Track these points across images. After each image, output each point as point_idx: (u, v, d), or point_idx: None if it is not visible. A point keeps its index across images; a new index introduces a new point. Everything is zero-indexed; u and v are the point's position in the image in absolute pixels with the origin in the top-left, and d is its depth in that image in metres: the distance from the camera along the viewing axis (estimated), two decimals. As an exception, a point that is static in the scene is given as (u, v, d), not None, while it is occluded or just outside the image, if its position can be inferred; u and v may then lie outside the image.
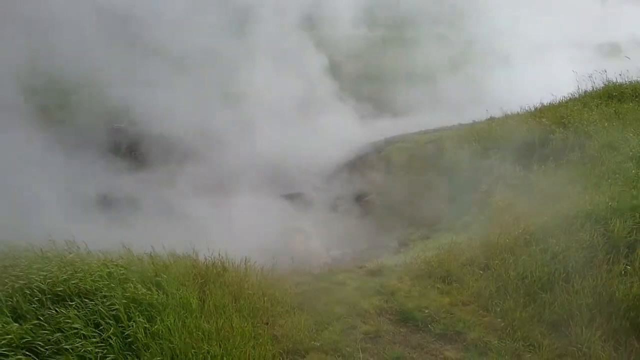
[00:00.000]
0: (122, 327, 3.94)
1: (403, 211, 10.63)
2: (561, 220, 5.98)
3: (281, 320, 5.00)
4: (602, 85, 13.64)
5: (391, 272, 6.26)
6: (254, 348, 4.29)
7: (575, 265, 5.16)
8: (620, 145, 8.25)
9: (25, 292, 3.99)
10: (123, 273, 4.50)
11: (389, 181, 12.90)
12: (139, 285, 4.30)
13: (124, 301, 4.07)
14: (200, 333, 4.15)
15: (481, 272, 5.71)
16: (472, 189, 10.49)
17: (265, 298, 5.23)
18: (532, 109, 14.06)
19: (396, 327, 5.07)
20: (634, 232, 5.29)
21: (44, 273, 4.28)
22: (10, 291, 3.98)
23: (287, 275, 6.37)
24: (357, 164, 14.90)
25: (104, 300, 4.04)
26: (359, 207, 12.51)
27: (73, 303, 3.96)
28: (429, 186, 11.67)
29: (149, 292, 4.27)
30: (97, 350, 3.59)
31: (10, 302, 3.91)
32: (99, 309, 3.95)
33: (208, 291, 4.81)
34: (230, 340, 4.24)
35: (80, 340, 3.71)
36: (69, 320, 3.79)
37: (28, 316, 3.83)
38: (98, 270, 4.43)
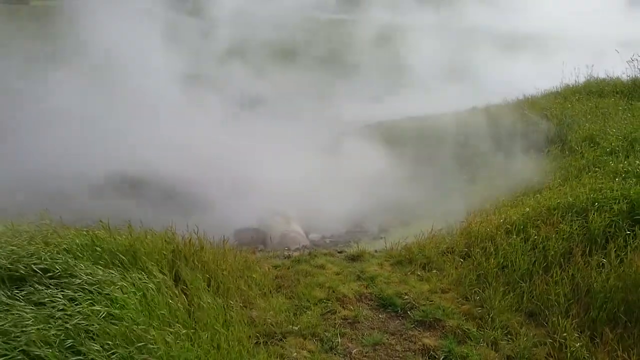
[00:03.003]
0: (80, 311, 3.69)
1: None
2: (542, 211, 6.01)
3: (259, 302, 4.91)
4: (583, 80, 13.87)
5: (371, 258, 6.22)
6: (227, 329, 4.17)
7: (555, 255, 5.18)
8: (600, 139, 8.33)
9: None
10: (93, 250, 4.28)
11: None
12: (100, 267, 4.06)
13: (86, 286, 3.81)
14: (164, 312, 3.96)
15: (462, 260, 5.69)
16: (454, 176, 10.55)
17: (242, 280, 5.14)
18: (515, 101, 14.25)
19: (375, 313, 5.03)
20: (612, 224, 5.33)
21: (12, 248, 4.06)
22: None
23: (266, 258, 6.28)
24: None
25: (66, 281, 3.80)
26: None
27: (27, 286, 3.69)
28: (412, 172, 11.67)
29: (111, 272, 4.04)
30: (56, 333, 3.34)
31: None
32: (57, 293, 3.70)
33: (180, 268, 4.65)
34: (200, 320, 4.10)
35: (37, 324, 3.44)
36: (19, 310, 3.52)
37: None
38: (66, 245, 4.22)
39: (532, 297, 4.85)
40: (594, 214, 5.43)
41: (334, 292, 5.30)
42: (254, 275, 5.28)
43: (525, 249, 5.39)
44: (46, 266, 3.89)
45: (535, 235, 5.53)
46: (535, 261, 5.19)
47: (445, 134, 12.42)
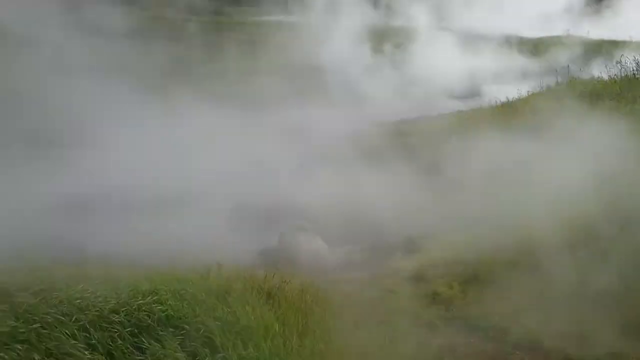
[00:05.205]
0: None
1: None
2: (594, 221, 6.07)
3: (352, 338, 4.67)
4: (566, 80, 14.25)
5: (435, 278, 6.10)
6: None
7: (632, 270, 5.23)
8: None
9: (102, 325, 3.37)
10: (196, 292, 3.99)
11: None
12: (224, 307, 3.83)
13: (218, 323, 3.60)
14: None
15: (533, 274, 5.67)
16: (465, 182, 10.54)
17: (328, 313, 4.90)
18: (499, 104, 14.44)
19: (467, 338, 4.91)
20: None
21: (113, 300, 3.67)
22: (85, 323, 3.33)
23: (329, 283, 6.04)
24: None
25: (197, 326, 3.55)
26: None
27: (163, 333, 3.43)
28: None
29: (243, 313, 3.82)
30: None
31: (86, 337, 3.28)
32: (192, 337, 3.47)
33: (278, 309, 4.41)
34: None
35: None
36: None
37: (115, 353, 3.25)
38: (170, 291, 3.89)
39: (623, 313, 4.87)
40: None
41: (417, 318, 5.16)
42: (336, 308, 5.04)
43: (597, 262, 5.42)
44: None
45: (602, 247, 5.57)
46: (613, 276, 5.22)
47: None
